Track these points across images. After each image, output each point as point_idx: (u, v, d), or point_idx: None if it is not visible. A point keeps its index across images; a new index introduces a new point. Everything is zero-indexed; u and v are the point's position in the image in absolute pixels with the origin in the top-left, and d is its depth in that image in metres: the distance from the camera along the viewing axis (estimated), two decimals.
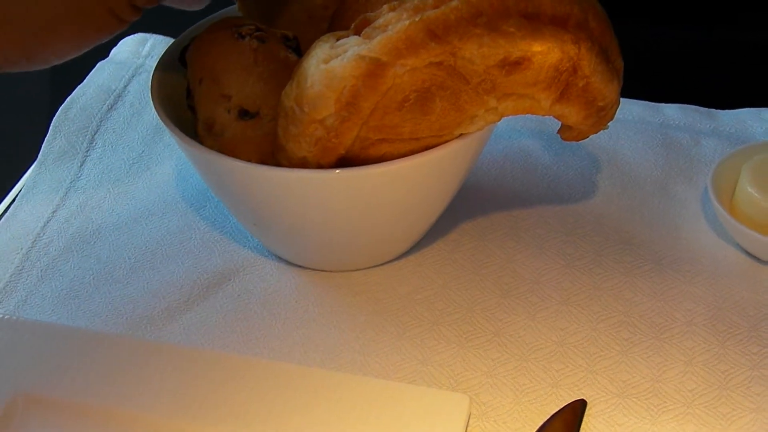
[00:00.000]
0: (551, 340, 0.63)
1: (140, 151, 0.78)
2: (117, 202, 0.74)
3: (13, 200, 0.75)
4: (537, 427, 0.58)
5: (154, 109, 0.64)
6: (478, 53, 0.57)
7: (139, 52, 0.86)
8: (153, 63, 0.66)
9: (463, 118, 0.60)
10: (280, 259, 0.69)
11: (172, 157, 0.77)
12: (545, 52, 0.58)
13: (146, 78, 0.83)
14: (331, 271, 0.68)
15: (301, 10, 0.68)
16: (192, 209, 0.73)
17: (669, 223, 0.70)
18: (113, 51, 0.87)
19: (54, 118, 0.80)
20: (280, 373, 0.60)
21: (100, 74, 0.84)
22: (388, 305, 0.66)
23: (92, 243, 0.71)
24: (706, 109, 0.79)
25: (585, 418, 0.59)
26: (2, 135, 0.88)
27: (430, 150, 0.60)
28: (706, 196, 0.72)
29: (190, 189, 0.74)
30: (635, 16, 0.87)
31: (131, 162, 0.77)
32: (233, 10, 0.70)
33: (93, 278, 0.68)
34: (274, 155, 0.62)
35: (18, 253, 0.70)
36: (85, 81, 0.84)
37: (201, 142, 0.63)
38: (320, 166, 0.60)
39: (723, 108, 0.79)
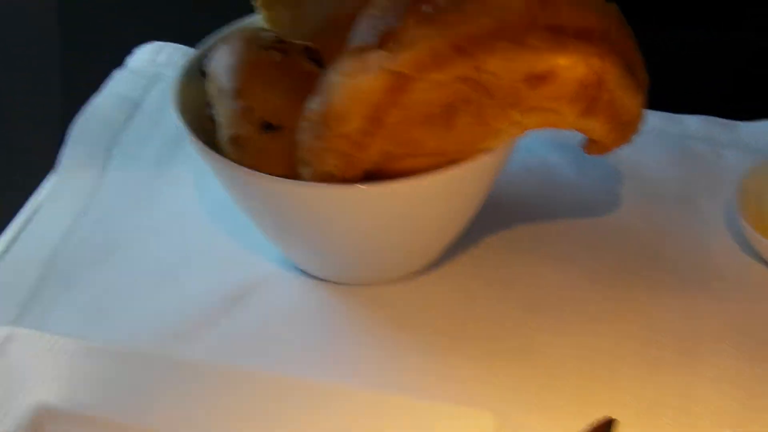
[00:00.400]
0: (577, 356, 0.63)
1: (159, 161, 0.77)
2: (136, 214, 0.73)
3: (32, 212, 0.74)
4: None
5: (175, 121, 0.64)
6: (503, 67, 0.57)
7: (155, 61, 0.86)
8: (169, 71, 0.65)
9: (488, 133, 0.60)
10: (303, 272, 0.68)
11: (192, 167, 0.76)
12: (570, 65, 0.57)
13: (163, 87, 0.83)
14: (354, 285, 0.67)
15: (326, 18, 0.67)
16: (213, 220, 0.72)
17: (693, 238, 0.70)
18: (129, 60, 0.86)
19: (71, 128, 0.79)
20: (301, 390, 0.59)
21: (117, 84, 0.84)
22: (412, 320, 0.65)
23: (113, 256, 0.70)
24: (726, 120, 0.79)
25: None
26: (17, 146, 0.87)
27: (455, 165, 0.60)
28: (730, 210, 0.71)
29: (210, 200, 0.74)
30: (646, 19, 0.86)
31: (150, 172, 0.77)
32: (252, 20, 0.69)
33: (115, 292, 0.68)
34: (297, 168, 0.62)
35: (37, 266, 0.69)
36: (101, 90, 0.83)
37: (223, 155, 0.62)
38: (345, 180, 0.60)
39: (742, 118, 0.79)
